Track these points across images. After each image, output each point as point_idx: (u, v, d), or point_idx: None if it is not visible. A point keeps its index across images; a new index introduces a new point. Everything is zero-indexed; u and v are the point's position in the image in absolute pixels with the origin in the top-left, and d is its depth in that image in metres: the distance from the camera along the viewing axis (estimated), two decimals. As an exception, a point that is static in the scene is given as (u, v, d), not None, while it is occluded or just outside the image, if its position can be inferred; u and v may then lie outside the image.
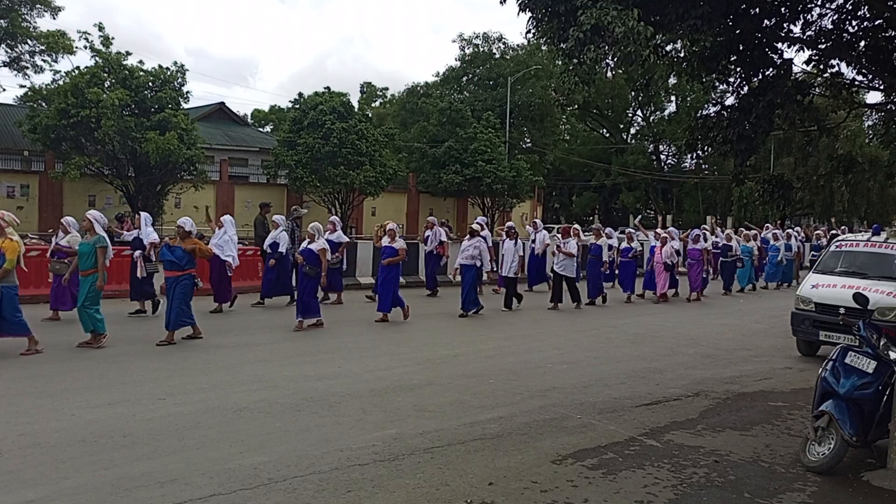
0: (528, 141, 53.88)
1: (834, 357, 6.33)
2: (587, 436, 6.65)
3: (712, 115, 11.29)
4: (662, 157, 62.16)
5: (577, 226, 19.16)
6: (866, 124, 44.89)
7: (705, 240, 19.21)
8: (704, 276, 18.63)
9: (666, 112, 60.47)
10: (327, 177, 31.10)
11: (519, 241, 15.48)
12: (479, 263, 14.20)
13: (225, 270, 13.20)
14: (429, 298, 16.44)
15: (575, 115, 60.76)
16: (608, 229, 17.83)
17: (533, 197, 47.30)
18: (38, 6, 31.50)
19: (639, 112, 62.17)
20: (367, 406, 7.31)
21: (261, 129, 59.11)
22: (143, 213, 13.01)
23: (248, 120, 63.82)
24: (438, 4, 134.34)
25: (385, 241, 12.97)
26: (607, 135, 62.42)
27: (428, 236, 17.34)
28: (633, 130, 63.20)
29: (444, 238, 16.99)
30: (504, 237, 15.85)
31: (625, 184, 56.57)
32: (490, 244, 16.25)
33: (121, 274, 13.72)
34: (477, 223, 16.65)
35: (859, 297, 7.06)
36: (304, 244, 12.01)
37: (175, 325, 10.12)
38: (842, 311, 9.16)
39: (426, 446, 6.14)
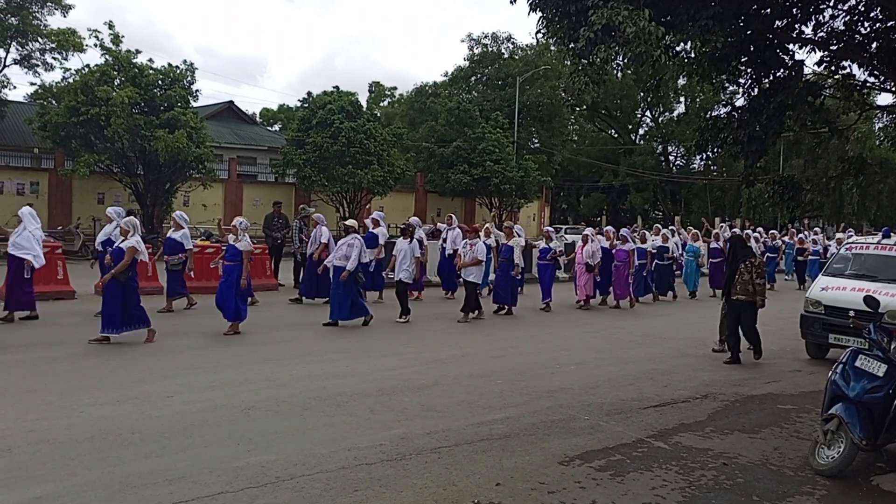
0: (537, 141, 53.76)
1: (844, 360, 6.30)
2: (595, 437, 6.64)
3: (723, 115, 11.28)
4: (671, 158, 61.97)
5: (488, 224, 17.19)
6: (877, 126, 44.67)
7: (643, 241, 18.09)
8: (632, 279, 16.97)
9: (675, 113, 60.27)
10: (335, 176, 31.10)
11: (415, 241, 13.59)
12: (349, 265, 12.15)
13: (21, 273, 11.21)
14: (437, 300, 16.30)
15: (583, 116, 60.64)
16: (517, 227, 15.98)
17: (541, 197, 47.17)
18: (48, 4, 31.55)
19: (648, 113, 61.98)
20: (374, 406, 7.31)
21: (269, 128, 59.18)
22: None
23: (257, 119, 63.92)
24: (447, 4, 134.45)
25: (230, 240, 11.30)
26: (616, 135, 62.24)
27: (311, 237, 15.02)
28: (641, 131, 63.01)
29: (324, 240, 14.33)
30: (400, 236, 13.99)
31: (633, 185, 56.38)
32: (382, 241, 15.06)
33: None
34: (373, 218, 15.40)
35: (870, 301, 7.03)
36: (117, 242, 10.36)
37: None
38: (852, 313, 9.12)
39: (433, 446, 6.14)
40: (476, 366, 9.53)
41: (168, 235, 13.23)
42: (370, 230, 15.08)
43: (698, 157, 57.96)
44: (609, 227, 18.46)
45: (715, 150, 12.00)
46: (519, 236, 15.25)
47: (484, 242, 14.66)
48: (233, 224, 11.33)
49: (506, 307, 14.52)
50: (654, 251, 18.28)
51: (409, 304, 13.16)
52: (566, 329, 13.22)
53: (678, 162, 62.21)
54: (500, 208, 41.38)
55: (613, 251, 16.45)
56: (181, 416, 6.67)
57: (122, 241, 10.04)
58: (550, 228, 17.29)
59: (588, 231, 16.93)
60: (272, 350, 10.02)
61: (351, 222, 12.94)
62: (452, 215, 17.32)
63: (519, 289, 15.58)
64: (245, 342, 10.46)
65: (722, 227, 23.27)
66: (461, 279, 14.36)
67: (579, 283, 16.06)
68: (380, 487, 5.21)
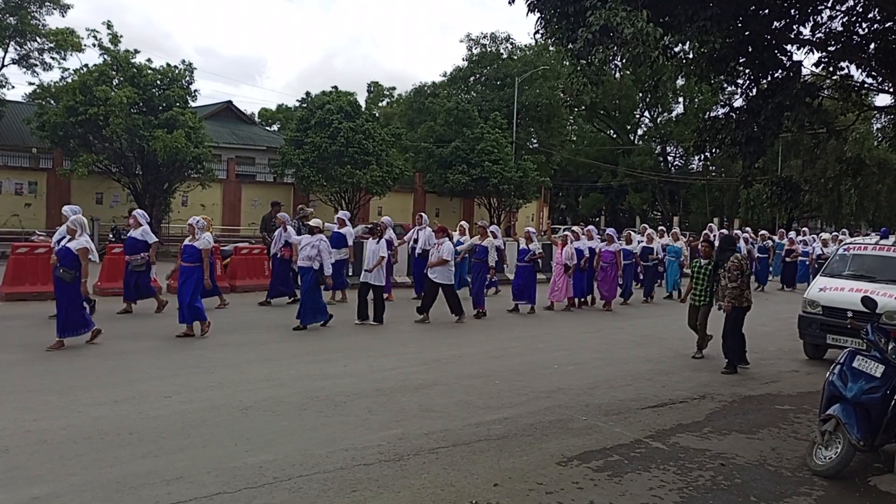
0: (535, 141, 53.85)
1: (842, 361, 6.31)
2: (593, 437, 6.64)
3: (721, 116, 11.27)
4: (670, 158, 62.05)
5: (462, 223, 16.86)
6: (875, 127, 44.76)
7: (628, 241, 17.60)
8: (621, 282, 16.63)
9: (673, 113, 60.40)
10: (334, 176, 31.14)
11: (383, 240, 12.88)
12: (316, 265, 11.71)
13: None
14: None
15: (582, 116, 60.73)
16: (493, 227, 15.43)
17: (539, 198, 47.25)
18: (47, 4, 31.55)
19: (646, 113, 62.10)
20: (372, 406, 7.31)
21: (268, 128, 59.22)
22: None
23: (256, 119, 63.95)
24: (447, 4, 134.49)
25: (187, 240, 10.88)
26: (614, 136, 62.34)
27: (275, 236, 14.62)
28: (640, 131, 63.13)
29: (292, 239, 13.92)
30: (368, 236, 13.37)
31: (632, 185, 56.47)
32: (350, 241, 14.66)
33: (117, 272, 13.70)
34: (339, 218, 14.95)
35: (867, 301, 7.03)
36: (63, 241, 9.80)
37: None
38: (850, 314, 9.14)
39: (431, 447, 6.14)
40: (475, 366, 9.53)
41: (129, 234, 12.60)
42: (335, 230, 14.71)
43: (697, 158, 58.06)
44: (591, 227, 17.87)
45: (713, 150, 11.99)
46: (495, 237, 14.92)
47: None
48: (188, 223, 10.94)
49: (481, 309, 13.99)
50: (638, 252, 17.77)
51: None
52: (565, 329, 13.23)
53: (677, 162, 62.32)
54: (499, 208, 41.44)
55: (599, 251, 16.01)
56: (179, 416, 6.66)
57: (69, 240, 9.53)
58: (531, 229, 16.21)
59: (573, 230, 16.58)
60: (270, 350, 10.02)
61: (315, 222, 12.36)
62: (423, 214, 16.60)
63: (494, 290, 15.35)
64: (243, 342, 10.45)
65: (710, 228, 22.16)
66: (426, 280, 13.47)
67: (557, 284, 15.51)
68: (378, 488, 5.21)
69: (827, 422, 6.04)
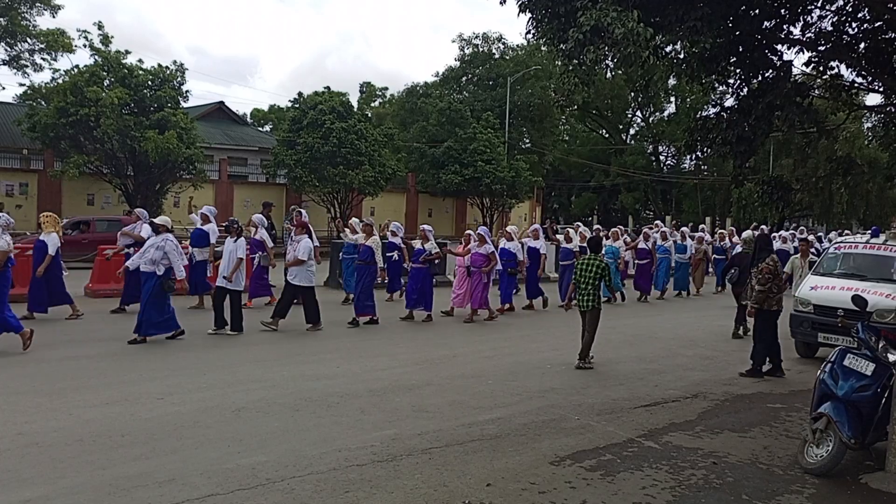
0: (528, 141, 53.87)
1: (832, 359, 6.34)
2: (585, 437, 6.65)
3: (712, 116, 11.34)
4: (662, 157, 62.13)
5: (353, 221, 15.07)
6: (865, 126, 44.88)
7: (568, 240, 16.39)
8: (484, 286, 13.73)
9: (665, 113, 60.44)
10: (326, 176, 31.08)
11: (241, 239, 11.36)
12: (160, 270, 10.10)
13: None
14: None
15: (574, 116, 60.69)
16: (395, 224, 14.33)
17: (532, 197, 47.25)
18: (37, 4, 31.47)
19: (638, 113, 62.13)
20: (365, 406, 7.31)
21: (260, 129, 59.06)
22: None
23: (248, 119, 63.78)
24: (439, 4, 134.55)
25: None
26: (607, 135, 62.39)
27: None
28: (632, 131, 63.16)
29: (145, 235, 12.10)
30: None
31: (624, 184, 56.55)
32: (213, 240, 13.17)
33: (109, 273, 13.65)
34: (202, 213, 13.35)
35: (858, 300, 7.06)
36: None
37: None
38: (840, 313, 9.16)
39: (424, 447, 6.14)
40: (467, 366, 9.53)
41: None
42: (198, 226, 13.30)
43: (689, 158, 58.18)
44: (536, 226, 16.35)
45: (705, 150, 12.03)
46: (395, 235, 14.02)
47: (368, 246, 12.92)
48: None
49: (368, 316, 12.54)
50: (578, 250, 16.01)
51: (242, 314, 11.29)
52: (558, 329, 13.22)
53: (669, 162, 62.40)
54: (492, 208, 41.45)
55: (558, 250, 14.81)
56: (171, 418, 6.65)
57: None
58: (427, 227, 14.19)
59: (507, 230, 15.23)
60: (262, 351, 10.00)
61: (162, 220, 10.71)
62: (302, 210, 14.26)
63: (395, 294, 14.72)
64: (235, 343, 10.43)
65: (656, 225, 20.67)
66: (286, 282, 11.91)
67: (456, 288, 13.93)
68: (371, 489, 5.21)
69: (818, 420, 6.07)
